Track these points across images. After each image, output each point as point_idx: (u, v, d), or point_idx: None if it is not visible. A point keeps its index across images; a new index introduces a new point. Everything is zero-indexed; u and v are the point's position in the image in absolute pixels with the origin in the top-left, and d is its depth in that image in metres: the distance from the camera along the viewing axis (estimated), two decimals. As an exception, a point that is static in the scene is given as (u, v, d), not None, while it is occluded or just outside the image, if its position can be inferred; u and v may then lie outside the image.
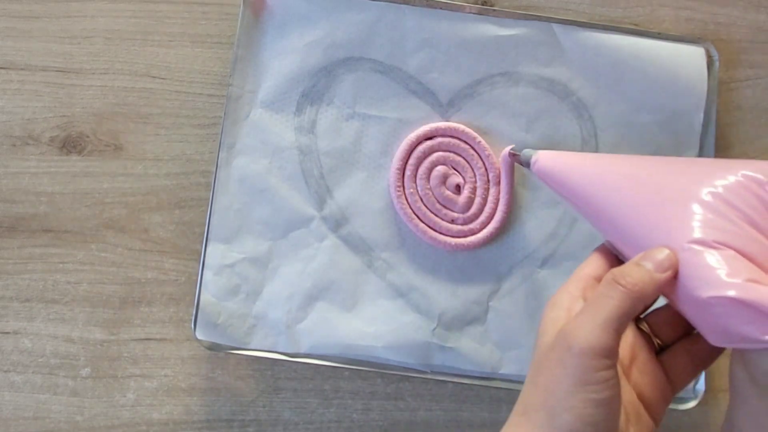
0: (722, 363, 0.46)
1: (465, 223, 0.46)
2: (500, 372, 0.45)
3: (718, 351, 0.32)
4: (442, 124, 0.46)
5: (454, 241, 0.45)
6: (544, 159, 0.38)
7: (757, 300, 0.25)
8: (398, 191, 0.45)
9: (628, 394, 0.31)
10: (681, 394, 0.45)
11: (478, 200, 0.46)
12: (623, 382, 0.31)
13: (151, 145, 0.47)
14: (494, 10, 0.47)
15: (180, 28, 0.48)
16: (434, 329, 0.45)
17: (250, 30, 0.47)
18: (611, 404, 0.27)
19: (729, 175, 0.29)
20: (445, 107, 0.47)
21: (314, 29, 0.47)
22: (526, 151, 0.41)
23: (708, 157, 0.47)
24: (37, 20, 0.48)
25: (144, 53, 0.48)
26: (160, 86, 0.48)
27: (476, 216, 0.46)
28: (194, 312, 0.44)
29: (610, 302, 0.28)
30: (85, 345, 0.46)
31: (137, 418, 0.45)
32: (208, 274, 0.45)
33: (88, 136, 0.47)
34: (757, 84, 0.50)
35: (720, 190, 0.28)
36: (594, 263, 0.33)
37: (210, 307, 0.44)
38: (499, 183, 0.46)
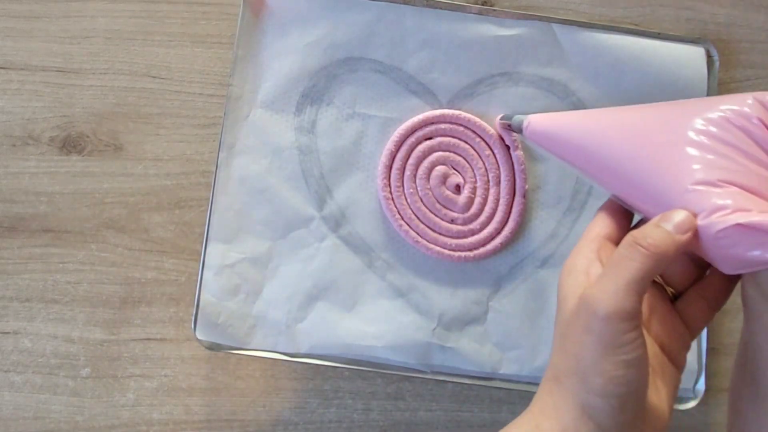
0: (723, 362, 0.46)
1: (465, 223, 0.46)
2: (500, 372, 0.45)
3: (729, 289, 0.33)
4: (437, 112, 0.46)
5: (454, 242, 0.45)
6: (535, 122, 0.39)
7: (760, 223, 0.26)
8: (386, 195, 0.45)
9: (651, 347, 0.31)
10: (681, 393, 0.45)
11: (478, 200, 0.46)
12: (645, 336, 0.31)
13: (151, 145, 0.47)
14: (494, 10, 0.47)
15: (180, 28, 0.48)
16: (434, 329, 0.45)
17: (250, 30, 0.47)
18: (641, 363, 0.28)
19: (714, 113, 0.30)
20: (445, 107, 0.47)
21: (314, 29, 0.47)
22: (517, 117, 0.41)
23: None
24: (37, 20, 0.48)
25: (144, 53, 0.48)
26: (160, 86, 0.48)
27: (476, 216, 0.46)
28: (194, 312, 0.44)
29: (632, 264, 0.28)
30: (85, 345, 0.46)
31: (137, 418, 0.45)
32: (208, 274, 0.45)
33: (88, 136, 0.47)
34: (757, 84, 0.50)
35: (711, 128, 0.30)
36: (602, 222, 0.33)
37: (210, 307, 0.44)
38: (499, 183, 0.46)
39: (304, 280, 0.45)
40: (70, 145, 0.47)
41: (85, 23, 0.48)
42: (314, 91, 0.47)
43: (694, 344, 0.45)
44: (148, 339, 0.46)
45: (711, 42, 0.48)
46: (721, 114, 0.30)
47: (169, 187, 0.47)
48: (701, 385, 0.45)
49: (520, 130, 0.40)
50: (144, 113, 0.48)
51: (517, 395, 0.46)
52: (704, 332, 0.45)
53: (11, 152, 0.47)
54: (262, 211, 0.46)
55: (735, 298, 0.47)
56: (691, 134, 0.30)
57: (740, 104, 0.30)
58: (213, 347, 0.44)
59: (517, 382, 0.45)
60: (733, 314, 0.47)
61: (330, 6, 0.47)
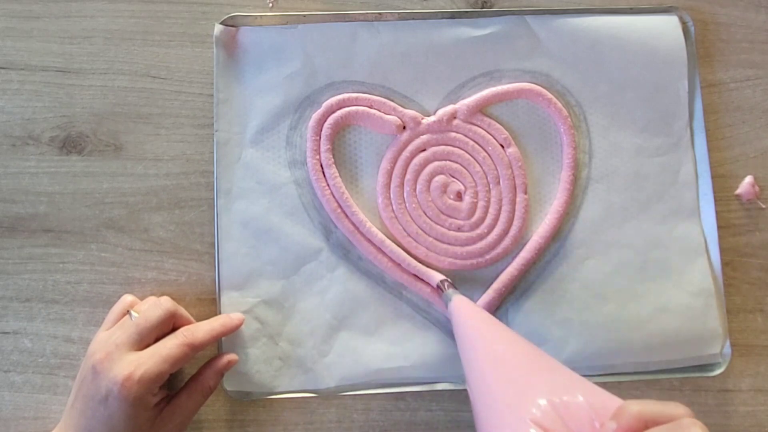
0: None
1: (472, 229, 0.46)
2: None
3: None
4: (423, 123, 0.46)
5: (464, 249, 0.45)
6: (456, 303, 0.40)
7: None
8: (388, 215, 0.46)
9: None
10: (709, 360, 0.45)
11: (481, 203, 0.46)
12: None
13: (151, 145, 0.47)
14: (492, 10, 0.47)
15: (180, 28, 0.48)
16: None
17: (227, 71, 0.46)
18: None
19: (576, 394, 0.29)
20: (434, 116, 0.46)
21: (291, 61, 0.46)
22: (448, 293, 0.42)
23: (699, 124, 0.48)
24: (37, 20, 0.48)
25: (144, 53, 0.48)
26: (160, 86, 0.48)
27: (482, 220, 0.46)
28: None
29: None
30: (85, 345, 0.46)
31: (137, 418, 0.45)
32: None
33: (88, 136, 0.47)
34: (757, 84, 0.50)
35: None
36: None
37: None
38: (498, 182, 0.46)
39: (323, 313, 0.45)
40: (70, 145, 0.47)
41: (85, 23, 0.48)
42: (301, 122, 0.46)
43: (716, 309, 0.45)
44: (148, 339, 0.46)
45: (685, 10, 0.48)
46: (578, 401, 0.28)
47: (169, 187, 0.47)
48: (728, 349, 0.46)
49: (446, 304, 0.41)
50: (144, 113, 0.48)
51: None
52: (722, 296, 0.46)
53: (11, 152, 0.47)
54: (270, 251, 0.45)
55: (733, 297, 0.47)
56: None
57: (600, 404, 0.28)
58: (242, 396, 0.44)
59: None
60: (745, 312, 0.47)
61: (302, 34, 0.46)
